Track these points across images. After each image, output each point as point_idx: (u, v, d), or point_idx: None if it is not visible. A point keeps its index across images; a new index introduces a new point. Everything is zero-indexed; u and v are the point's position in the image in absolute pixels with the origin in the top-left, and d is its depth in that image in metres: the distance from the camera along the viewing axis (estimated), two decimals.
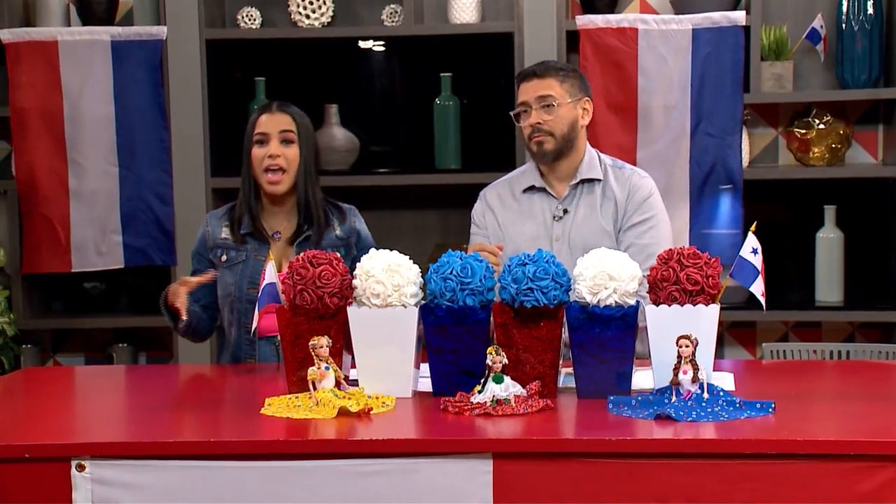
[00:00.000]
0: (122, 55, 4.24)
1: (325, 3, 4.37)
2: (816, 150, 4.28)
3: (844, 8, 4.24)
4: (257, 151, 3.20)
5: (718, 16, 4.10)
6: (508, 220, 3.31)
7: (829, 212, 4.27)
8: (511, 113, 3.29)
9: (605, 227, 3.23)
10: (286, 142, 3.19)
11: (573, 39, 4.20)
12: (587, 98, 3.28)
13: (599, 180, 3.27)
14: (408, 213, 4.60)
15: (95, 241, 4.30)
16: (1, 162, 4.60)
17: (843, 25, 4.24)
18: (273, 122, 3.20)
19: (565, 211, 3.27)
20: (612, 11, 4.33)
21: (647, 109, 4.14)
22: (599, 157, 3.32)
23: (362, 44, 4.57)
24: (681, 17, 4.15)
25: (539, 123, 3.21)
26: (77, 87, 4.26)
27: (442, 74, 4.38)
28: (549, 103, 3.20)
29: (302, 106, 3.34)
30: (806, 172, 4.28)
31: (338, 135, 4.42)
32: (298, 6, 4.36)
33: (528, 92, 3.23)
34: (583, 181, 3.27)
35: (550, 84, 3.22)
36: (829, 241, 4.27)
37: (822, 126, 4.27)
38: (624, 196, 3.25)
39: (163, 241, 4.30)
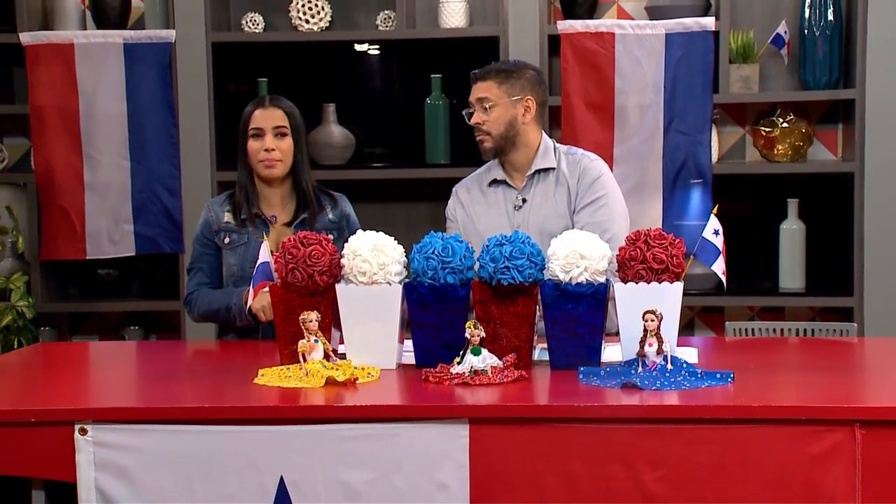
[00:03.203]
0: (134, 57, 4.23)
1: (323, 8, 4.35)
2: (780, 147, 4.27)
3: (807, 15, 4.23)
4: (253, 144, 3.19)
5: (690, 21, 4.09)
6: (476, 212, 3.28)
7: (792, 205, 4.26)
8: (463, 112, 3.26)
9: (560, 210, 3.19)
10: (280, 135, 3.19)
11: (554, 43, 4.19)
12: (529, 97, 3.20)
13: (553, 168, 3.24)
14: (400, 205, 4.59)
15: (108, 230, 4.29)
16: (21, 157, 4.59)
17: (806, 31, 4.23)
18: (267, 118, 3.19)
19: (524, 200, 3.24)
20: (590, 17, 4.31)
21: (623, 109, 4.13)
22: (555, 146, 3.29)
23: (358, 47, 4.55)
24: (655, 22, 4.14)
25: (478, 123, 3.19)
26: (92, 86, 4.24)
27: (432, 76, 4.37)
28: (486, 105, 3.18)
29: (301, 105, 3.32)
30: (770, 168, 4.27)
31: (335, 132, 4.41)
32: (299, 11, 4.35)
33: (473, 94, 3.22)
34: (538, 171, 3.24)
35: (489, 87, 3.18)
36: (791, 232, 4.26)
37: (785, 125, 4.26)
38: (574, 180, 3.21)
39: (171, 230, 4.28)
